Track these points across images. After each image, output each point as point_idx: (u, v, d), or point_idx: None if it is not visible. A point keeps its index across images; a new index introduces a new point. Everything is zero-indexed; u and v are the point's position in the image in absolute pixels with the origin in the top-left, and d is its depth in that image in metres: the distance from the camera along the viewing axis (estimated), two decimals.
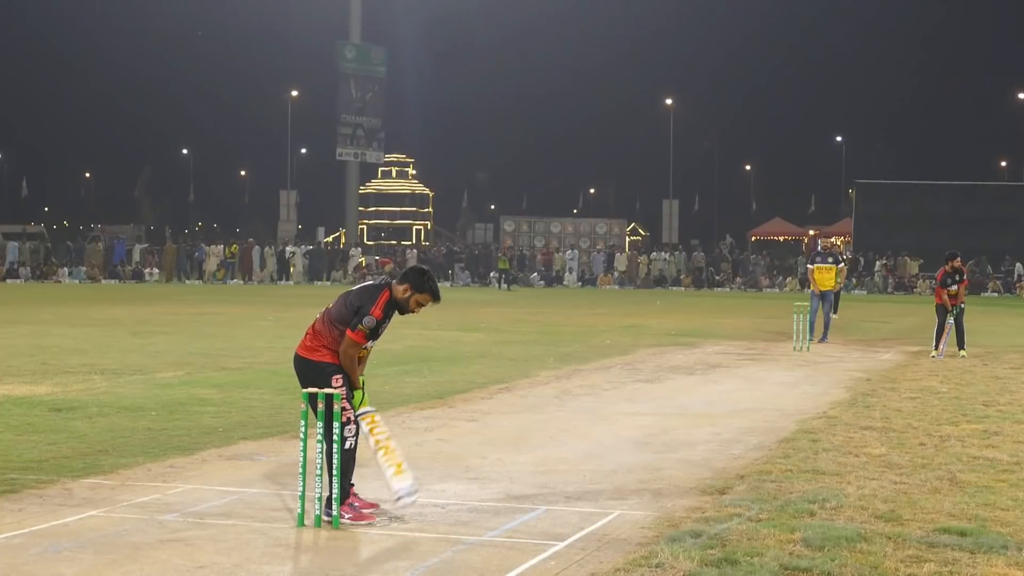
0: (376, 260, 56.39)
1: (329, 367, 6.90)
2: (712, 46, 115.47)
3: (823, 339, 20.67)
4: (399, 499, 6.82)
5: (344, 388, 6.87)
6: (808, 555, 6.03)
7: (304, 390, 6.84)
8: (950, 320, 18.41)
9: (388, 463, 6.86)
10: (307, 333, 7.07)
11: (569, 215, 76.79)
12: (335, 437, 6.79)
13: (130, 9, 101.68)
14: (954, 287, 18.73)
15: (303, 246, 57.78)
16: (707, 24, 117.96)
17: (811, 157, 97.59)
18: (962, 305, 18.67)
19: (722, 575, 5.73)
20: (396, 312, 7.01)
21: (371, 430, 6.93)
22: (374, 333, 6.93)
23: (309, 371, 6.92)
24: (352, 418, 6.88)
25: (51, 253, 54.90)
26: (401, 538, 6.54)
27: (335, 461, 6.75)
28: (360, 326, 6.85)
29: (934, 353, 18.11)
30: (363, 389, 7.05)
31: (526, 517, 7.02)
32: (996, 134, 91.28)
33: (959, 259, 19.10)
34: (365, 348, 7.04)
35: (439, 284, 7.32)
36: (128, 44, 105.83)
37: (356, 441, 6.89)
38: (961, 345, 18.34)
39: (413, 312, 7.05)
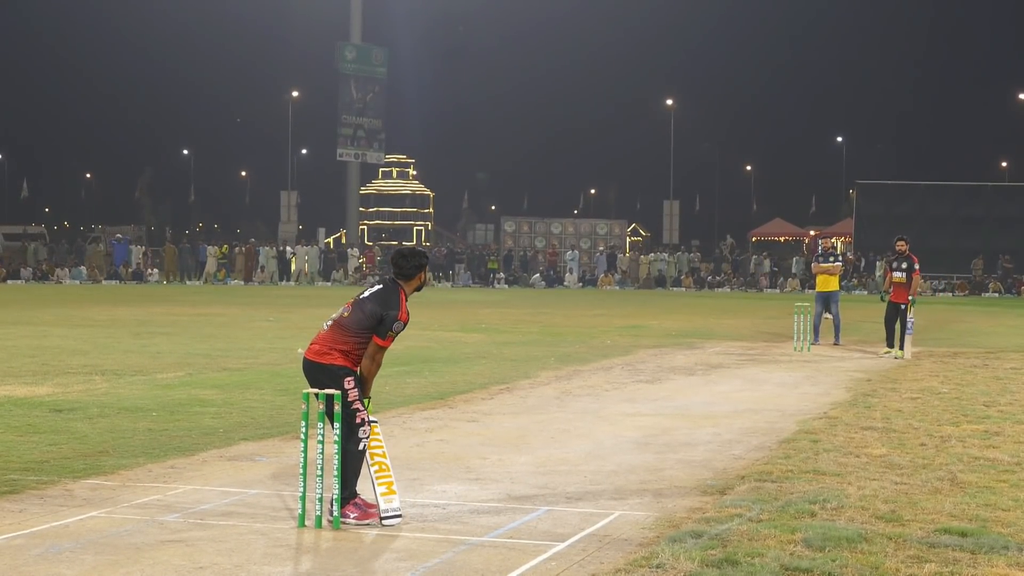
0: (370, 252, 56.99)
1: (341, 370, 6.92)
2: (713, 47, 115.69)
3: (836, 342, 20.52)
4: (384, 519, 6.82)
5: (356, 390, 6.89)
6: (809, 556, 6.03)
7: (304, 391, 6.85)
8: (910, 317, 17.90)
9: (380, 481, 6.88)
10: (316, 338, 7.09)
11: (570, 215, 76.83)
12: (337, 437, 6.80)
13: (131, 10, 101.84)
14: (900, 274, 18.41)
15: (316, 246, 57.81)
16: (708, 25, 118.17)
17: (812, 158, 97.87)
18: (911, 298, 17.99)
19: (723, 575, 5.74)
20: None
21: (369, 443, 6.95)
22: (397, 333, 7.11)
23: (320, 374, 6.93)
24: (366, 419, 6.89)
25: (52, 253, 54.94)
26: (402, 539, 6.54)
27: (343, 460, 6.77)
28: (390, 332, 6.97)
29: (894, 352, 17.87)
30: (369, 398, 7.09)
31: (527, 518, 7.02)
32: (997, 134, 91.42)
33: (903, 242, 18.64)
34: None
35: (440, 285, 7.40)
36: (129, 45, 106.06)
37: (367, 443, 6.90)
38: (901, 344, 17.97)
39: (426, 284, 7.42)
